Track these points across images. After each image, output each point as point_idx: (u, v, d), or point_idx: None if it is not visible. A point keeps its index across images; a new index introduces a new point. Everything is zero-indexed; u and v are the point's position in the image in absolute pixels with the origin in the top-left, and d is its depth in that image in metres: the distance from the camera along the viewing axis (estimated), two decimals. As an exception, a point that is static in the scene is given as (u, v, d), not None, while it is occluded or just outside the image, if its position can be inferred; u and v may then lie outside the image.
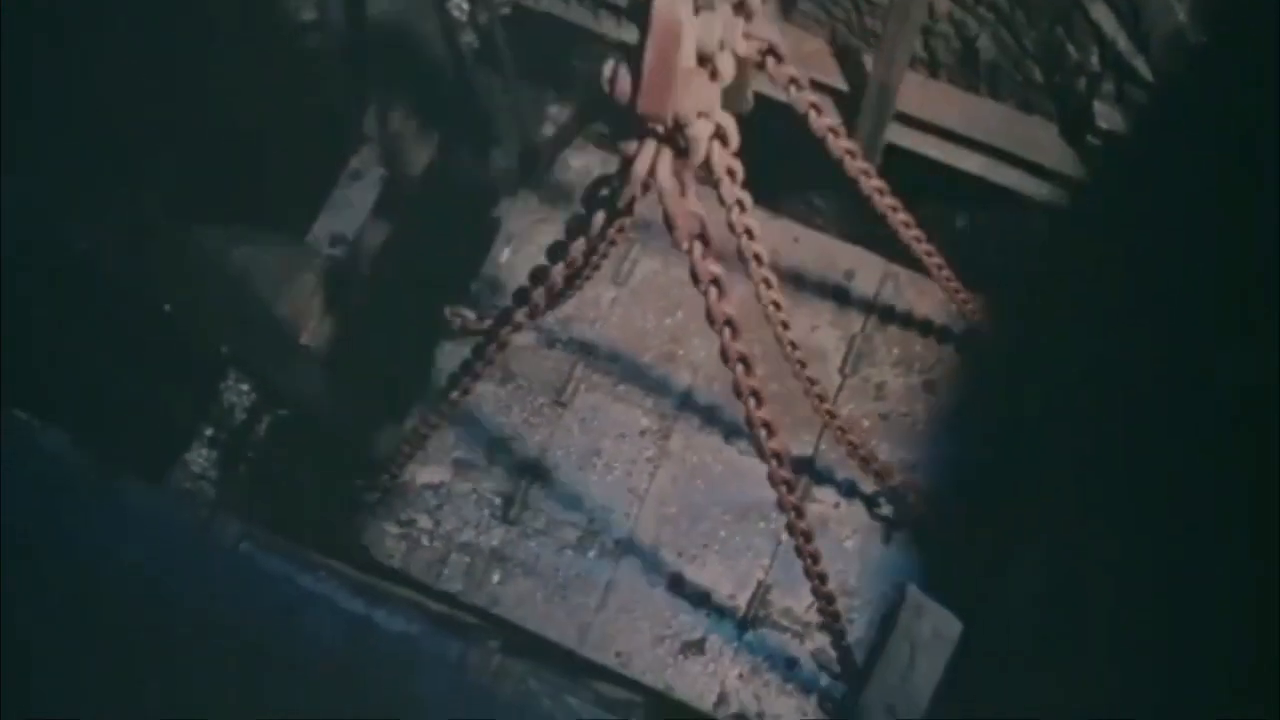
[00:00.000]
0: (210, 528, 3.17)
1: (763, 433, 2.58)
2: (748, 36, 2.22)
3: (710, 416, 3.83)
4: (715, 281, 2.26)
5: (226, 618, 3.05)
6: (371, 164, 5.13)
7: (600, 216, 2.38)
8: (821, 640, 3.69)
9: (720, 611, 4.01)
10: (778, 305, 2.81)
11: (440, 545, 4.05)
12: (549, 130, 6.34)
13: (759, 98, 4.46)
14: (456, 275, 6.96)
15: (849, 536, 4.00)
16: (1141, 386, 4.74)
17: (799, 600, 3.70)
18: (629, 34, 4.94)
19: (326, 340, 4.96)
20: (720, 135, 2.26)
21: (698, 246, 2.26)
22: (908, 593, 3.71)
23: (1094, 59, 4.19)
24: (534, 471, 4.10)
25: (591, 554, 4.00)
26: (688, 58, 2.03)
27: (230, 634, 3.03)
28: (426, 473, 4.11)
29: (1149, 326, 4.68)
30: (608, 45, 5.35)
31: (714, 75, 2.10)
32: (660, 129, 2.13)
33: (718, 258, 2.26)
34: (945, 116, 4.60)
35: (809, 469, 4.07)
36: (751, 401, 2.49)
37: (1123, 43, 4.05)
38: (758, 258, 2.63)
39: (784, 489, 2.74)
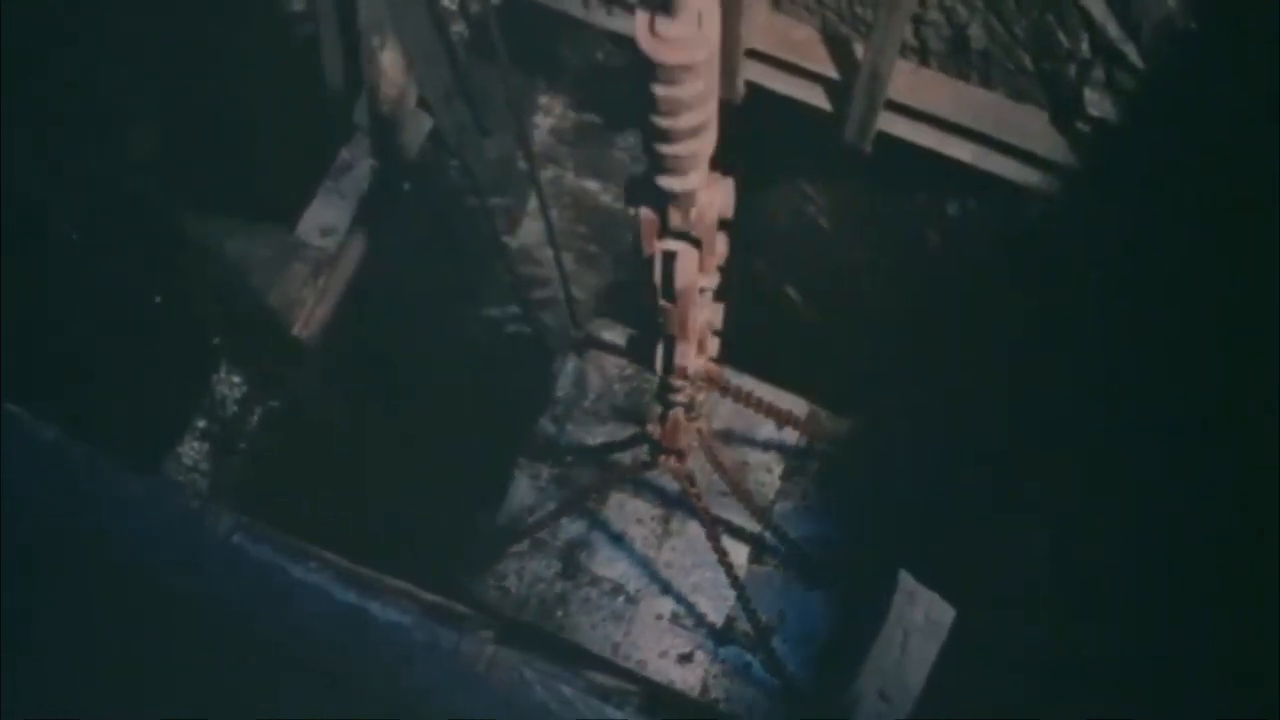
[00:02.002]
0: (204, 519, 3.17)
1: (703, 515, 4.82)
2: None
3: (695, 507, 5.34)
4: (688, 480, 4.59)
5: (220, 608, 3.05)
6: (362, 155, 5.12)
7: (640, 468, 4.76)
8: (766, 652, 5.51)
9: (703, 633, 5.88)
10: (730, 477, 5.01)
11: (523, 592, 5.93)
12: (540, 121, 6.34)
13: (758, 95, 4.50)
14: (449, 268, 6.95)
15: (786, 587, 5.88)
16: (1134, 377, 4.76)
17: (753, 629, 5.52)
18: (617, 24, 4.95)
19: (318, 331, 4.96)
20: (701, 433, 4.41)
21: (686, 483, 4.55)
22: (900, 579, 3.73)
23: (1084, 46, 4.19)
24: (582, 545, 6.00)
25: (620, 600, 5.92)
26: (684, 423, 4.06)
27: (224, 624, 3.03)
28: (514, 547, 5.95)
29: (1140, 316, 4.69)
30: (597, 34, 5.34)
31: (694, 421, 4.20)
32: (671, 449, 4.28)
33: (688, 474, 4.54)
34: (936, 104, 4.60)
35: (761, 542, 5.90)
36: (695, 499, 4.65)
37: (1113, 29, 4.05)
38: (719, 465, 4.88)
39: (714, 543, 4.89)
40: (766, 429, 5.92)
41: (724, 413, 5.89)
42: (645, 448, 4.59)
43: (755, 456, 5.98)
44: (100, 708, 3.03)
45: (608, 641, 5.80)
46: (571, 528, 5.93)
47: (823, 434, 5.88)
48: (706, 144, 2.24)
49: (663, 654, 5.81)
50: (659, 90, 2.02)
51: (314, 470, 5.57)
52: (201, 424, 5.02)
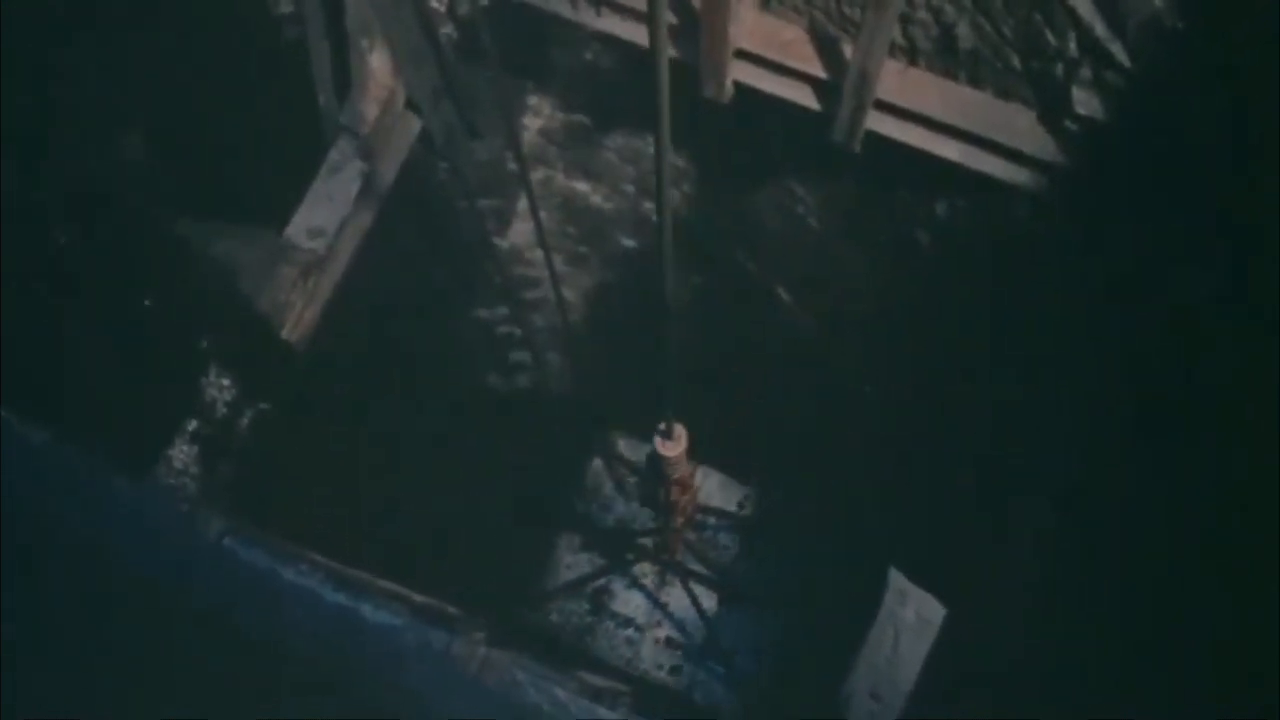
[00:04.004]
0: (194, 522, 3.16)
1: (683, 576, 7.84)
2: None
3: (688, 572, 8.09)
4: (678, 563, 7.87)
5: (212, 611, 3.04)
6: (350, 157, 5.11)
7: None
8: (730, 665, 7.96)
9: (689, 653, 8.14)
10: (702, 555, 7.91)
11: (562, 623, 8.21)
12: (528, 122, 6.33)
13: (747, 95, 4.50)
14: (438, 269, 6.94)
15: (746, 619, 8.22)
16: (1127, 373, 4.77)
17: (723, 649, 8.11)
18: (605, 25, 4.95)
19: (308, 334, 4.95)
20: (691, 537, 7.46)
21: (677, 565, 7.80)
22: (891, 578, 3.74)
23: (1071, 45, 4.20)
24: (605, 591, 8.29)
25: (631, 629, 8.21)
26: (674, 537, 6.93)
27: (216, 626, 3.03)
28: (559, 595, 8.31)
29: (1131, 312, 4.71)
30: (586, 35, 5.34)
31: (680, 534, 6.80)
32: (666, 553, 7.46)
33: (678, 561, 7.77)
34: (924, 104, 4.61)
35: (726, 590, 8.26)
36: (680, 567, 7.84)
37: (1100, 28, 4.07)
38: (695, 551, 7.86)
39: (689, 594, 7.86)
40: (731, 503, 8.47)
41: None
42: (648, 539, 7.66)
43: (722, 533, 8.49)
44: (97, 709, 3.03)
45: (621, 657, 8.15)
46: (597, 580, 8.32)
47: (771, 509, 8.44)
48: (684, 464, 5.15)
49: (659, 666, 8.15)
50: (663, 461, 5.09)
51: (304, 473, 5.57)
52: (191, 427, 5.00)
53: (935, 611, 3.78)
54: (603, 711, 3.07)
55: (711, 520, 8.37)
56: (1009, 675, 4.81)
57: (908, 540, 5.58)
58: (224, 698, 3.00)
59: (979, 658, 4.68)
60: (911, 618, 3.75)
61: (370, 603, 3.08)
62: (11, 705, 2.91)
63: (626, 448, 8.48)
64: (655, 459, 5.19)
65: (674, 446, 4.98)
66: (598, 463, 8.64)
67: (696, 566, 7.93)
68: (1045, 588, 5.09)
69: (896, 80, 4.59)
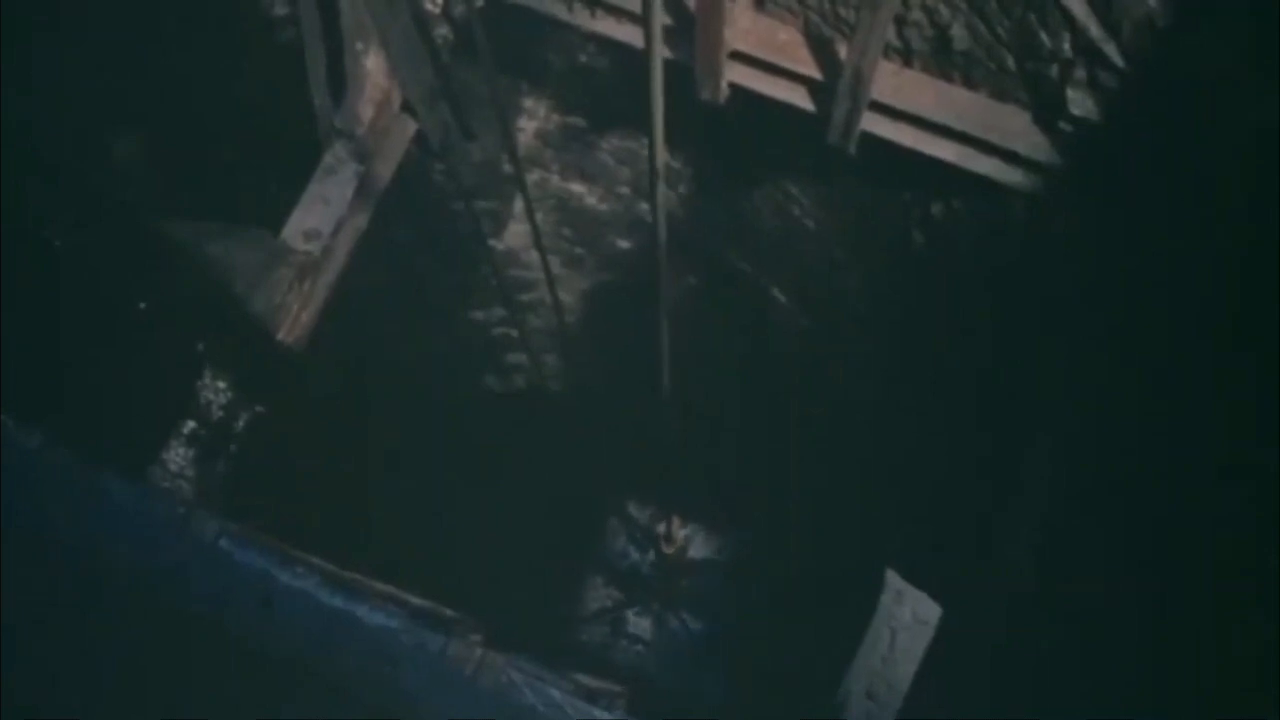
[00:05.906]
0: (189, 524, 3.16)
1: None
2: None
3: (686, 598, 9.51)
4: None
5: (207, 613, 3.04)
6: (346, 159, 5.11)
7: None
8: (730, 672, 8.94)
9: (684, 663, 9.52)
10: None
11: (587, 640, 9.68)
12: (524, 124, 6.34)
13: (742, 97, 4.52)
14: (434, 272, 6.94)
15: (748, 636, 9.51)
16: (1123, 374, 4.77)
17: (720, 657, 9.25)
18: (600, 27, 4.96)
19: (303, 336, 4.95)
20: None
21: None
22: (887, 578, 3.75)
23: (1066, 46, 4.21)
24: (620, 619, 9.78)
25: (640, 646, 9.66)
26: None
27: (211, 628, 3.03)
28: (581, 619, 9.65)
29: (1126, 313, 4.71)
30: (581, 37, 5.35)
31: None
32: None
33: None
34: (920, 105, 4.61)
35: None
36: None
37: (1094, 29, 4.07)
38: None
39: (689, 620, 9.05)
40: (716, 534, 9.68)
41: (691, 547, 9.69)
42: (655, 578, 9.26)
43: (713, 569, 9.74)
44: (93, 710, 3.03)
45: (632, 669, 9.52)
46: (615, 608, 9.82)
47: (759, 533, 9.45)
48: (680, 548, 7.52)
49: (663, 671, 9.58)
50: (662, 549, 8.07)
51: (300, 475, 5.57)
52: (187, 429, 5.01)
53: (931, 611, 3.78)
54: (598, 712, 3.08)
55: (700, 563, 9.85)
56: (1006, 675, 4.81)
57: (904, 540, 5.58)
58: (219, 699, 3.00)
59: (976, 657, 4.68)
60: (908, 618, 3.76)
61: (366, 605, 3.08)
62: (9, 706, 2.91)
63: (635, 508, 10.16)
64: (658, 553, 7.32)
65: (672, 545, 7.39)
66: (614, 521, 10.41)
67: (692, 594, 9.57)
68: (1042, 587, 5.09)
69: (892, 81, 4.60)
